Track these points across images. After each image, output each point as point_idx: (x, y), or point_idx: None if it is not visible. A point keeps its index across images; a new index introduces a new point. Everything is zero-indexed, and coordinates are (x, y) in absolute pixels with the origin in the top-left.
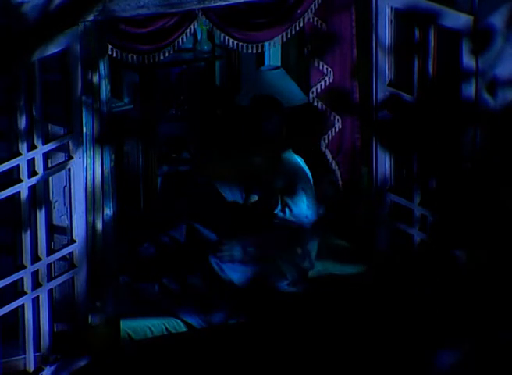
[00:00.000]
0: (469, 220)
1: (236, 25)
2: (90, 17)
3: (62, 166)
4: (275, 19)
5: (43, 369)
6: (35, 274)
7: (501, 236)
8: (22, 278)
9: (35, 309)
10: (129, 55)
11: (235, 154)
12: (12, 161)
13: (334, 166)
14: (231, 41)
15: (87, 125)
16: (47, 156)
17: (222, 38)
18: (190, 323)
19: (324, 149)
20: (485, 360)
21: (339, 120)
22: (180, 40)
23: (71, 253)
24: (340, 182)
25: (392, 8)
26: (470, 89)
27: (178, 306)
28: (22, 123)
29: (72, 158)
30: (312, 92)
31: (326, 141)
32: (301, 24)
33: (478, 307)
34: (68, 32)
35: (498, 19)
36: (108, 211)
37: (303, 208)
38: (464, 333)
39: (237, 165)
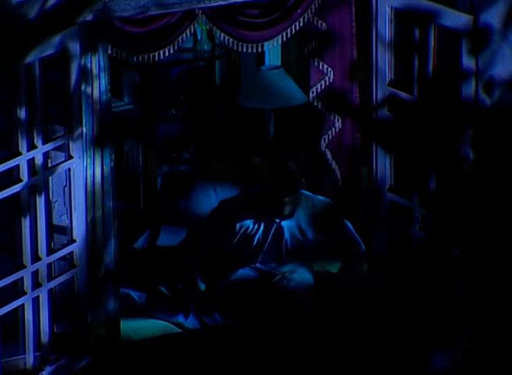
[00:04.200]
0: (467, 220)
1: (236, 25)
2: (90, 17)
3: (61, 166)
4: (275, 18)
5: (43, 369)
6: (35, 274)
7: (497, 236)
8: (22, 278)
9: (35, 309)
10: (129, 55)
11: (235, 154)
12: (12, 161)
13: (334, 165)
14: (231, 40)
15: (87, 125)
16: (47, 156)
17: (221, 38)
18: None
19: (324, 149)
20: (482, 361)
21: (339, 120)
22: (180, 39)
23: (71, 253)
24: (340, 182)
25: (392, 7)
26: (469, 89)
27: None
28: (22, 122)
29: (72, 158)
30: (312, 92)
31: (326, 141)
32: (301, 24)
33: (476, 307)
34: (67, 31)
35: (497, 19)
36: (108, 211)
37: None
38: (461, 334)
39: (238, 165)
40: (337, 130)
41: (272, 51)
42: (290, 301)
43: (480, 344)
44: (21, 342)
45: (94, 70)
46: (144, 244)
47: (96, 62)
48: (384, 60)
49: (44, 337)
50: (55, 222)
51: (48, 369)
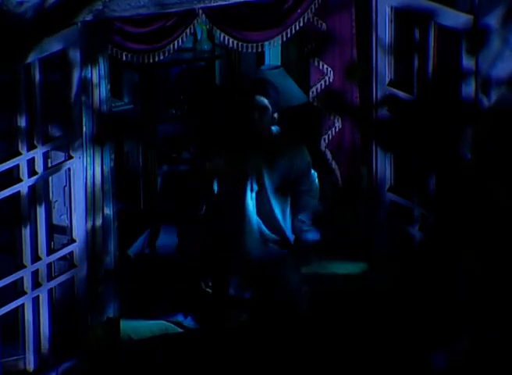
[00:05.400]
0: (467, 220)
1: (236, 25)
2: (90, 17)
3: (61, 166)
4: (275, 19)
5: (43, 370)
6: (35, 274)
7: (497, 236)
8: (22, 278)
9: (35, 309)
10: (130, 55)
11: (234, 151)
12: (12, 161)
13: (334, 165)
14: (231, 40)
15: (87, 125)
16: (47, 156)
17: (221, 38)
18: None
19: (324, 149)
20: (482, 361)
21: (339, 120)
22: (180, 39)
23: (71, 253)
24: (340, 182)
25: (392, 7)
26: (469, 89)
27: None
28: (22, 122)
29: (72, 158)
30: (312, 92)
31: (326, 141)
32: (301, 24)
33: (476, 307)
34: (67, 31)
35: (497, 19)
36: (108, 211)
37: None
38: (461, 334)
39: (237, 162)
40: (337, 130)
41: (272, 51)
42: (289, 300)
43: (480, 344)
44: (21, 342)
45: (94, 70)
46: (144, 243)
47: (96, 62)
48: (384, 60)
49: (44, 337)
50: (55, 222)
51: (48, 369)
